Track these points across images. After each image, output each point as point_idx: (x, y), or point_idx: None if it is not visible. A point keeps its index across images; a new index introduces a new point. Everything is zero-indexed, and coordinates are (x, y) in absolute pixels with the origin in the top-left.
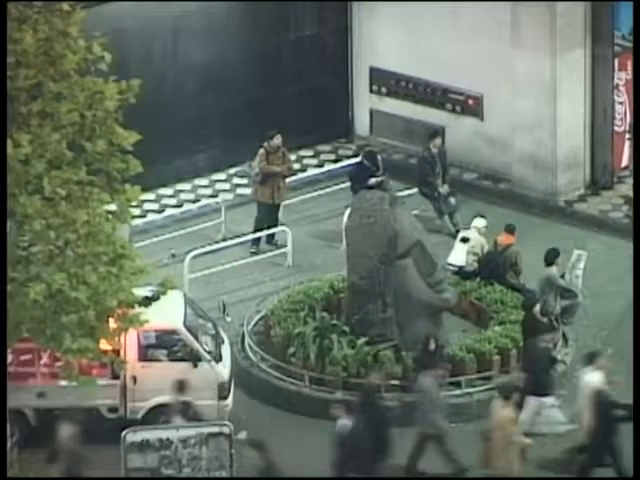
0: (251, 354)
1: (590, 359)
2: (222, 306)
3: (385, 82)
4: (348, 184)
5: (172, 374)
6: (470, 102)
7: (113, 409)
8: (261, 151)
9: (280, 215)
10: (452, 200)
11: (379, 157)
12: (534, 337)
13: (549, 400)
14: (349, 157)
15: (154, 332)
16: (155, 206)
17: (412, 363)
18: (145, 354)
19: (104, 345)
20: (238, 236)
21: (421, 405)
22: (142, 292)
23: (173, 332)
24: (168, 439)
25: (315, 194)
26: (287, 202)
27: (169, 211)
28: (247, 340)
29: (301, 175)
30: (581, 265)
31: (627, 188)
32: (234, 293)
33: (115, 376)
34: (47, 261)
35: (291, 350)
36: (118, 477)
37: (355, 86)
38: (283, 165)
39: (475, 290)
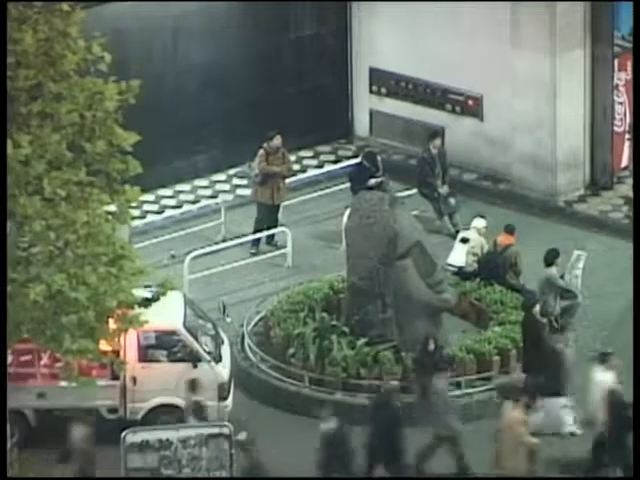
0: (251, 355)
1: (602, 359)
2: (222, 307)
3: (385, 82)
4: (348, 185)
5: (172, 375)
6: (470, 102)
7: (113, 410)
8: (261, 152)
9: (280, 216)
10: (452, 201)
11: (379, 158)
12: (540, 338)
13: (562, 400)
14: (349, 158)
15: (154, 333)
16: (155, 207)
17: (412, 364)
18: (145, 355)
19: (104, 346)
20: (238, 237)
21: (435, 406)
22: (142, 293)
23: (173, 333)
24: (168, 439)
25: (315, 195)
26: (287, 203)
27: (169, 212)
28: (247, 341)
29: (301, 176)
30: (580, 265)
31: (627, 188)
32: (234, 294)
33: (115, 377)
34: (47, 262)
35: (291, 351)
36: (118, 477)
37: (355, 86)
38: (283, 166)
39: (475, 291)
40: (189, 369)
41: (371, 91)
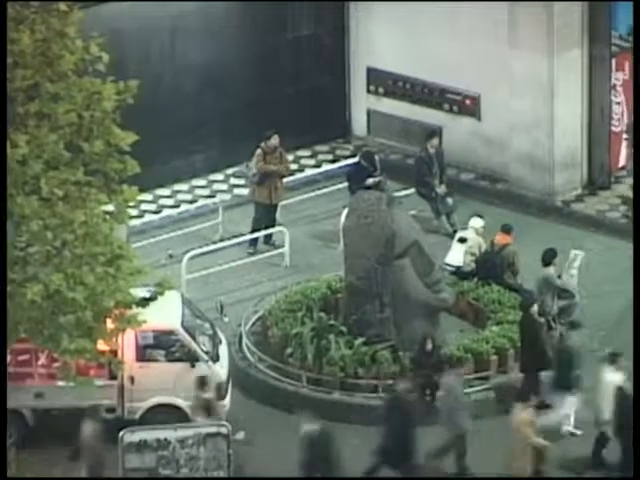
0: (249, 354)
1: (612, 359)
2: (219, 306)
3: (382, 82)
4: (346, 184)
5: (170, 374)
6: (467, 102)
7: (111, 409)
8: (258, 151)
9: (278, 215)
10: (449, 200)
11: (376, 157)
12: (537, 337)
13: (572, 399)
14: (347, 157)
15: (152, 332)
16: (152, 207)
17: (409, 363)
18: (143, 354)
19: (102, 345)
20: (236, 236)
21: (446, 404)
22: (139, 292)
23: (171, 332)
24: (166, 439)
25: (313, 194)
26: (284, 202)
27: (166, 212)
28: (244, 340)
29: (299, 175)
30: (576, 265)
31: (624, 188)
32: (232, 293)
33: (113, 376)
34: (44, 262)
35: (288, 350)
36: (116, 477)
37: (352, 86)
38: (280, 165)
39: (473, 290)
40: (187, 369)
41: (369, 91)
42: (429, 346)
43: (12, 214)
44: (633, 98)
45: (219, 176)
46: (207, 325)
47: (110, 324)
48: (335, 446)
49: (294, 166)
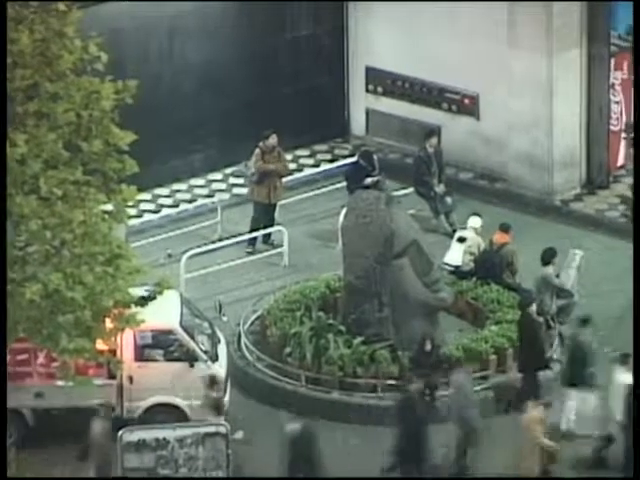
0: (247, 354)
1: (623, 360)
2: (218, 306)
3: (381, 82)
4: (344, 184)
5: (168, 374)
6: (466, 101)
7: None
8: (257, 151)
9: (276, 215)
10: (448, 199)
11: (375, 157)
12: (536, 337)
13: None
14: (345, 157)
15: (150, 332)
16: (151, 206)
17: (408, 363)
18: (141, 354)
19: (100, 345)
20: (234, 236)
21: (456, 402)
22: (138, 292)
23: (169, 332)
24: (165, 439)
25: (311, 194)
26: (283, 202)
27: (165, 211)
28: (243, 340)
29: (297, 175)
30: (574, 264)
31: (623, 187)
32: (230, 293)
33: (111, 376)
34: (43, 261)
35: (287, 350)
36: (115, 477)
37: (351, 86)
38: (279, 164)
39: (471, 289)
40: (186, 368)
41: (367, 90)
42: (428, 346)
43: (11, 213)
44: (633, 98)
45: (218, 175)
46: (206, 324)
47: (109, 323)
48: (318, 445)
49: (293, 165)
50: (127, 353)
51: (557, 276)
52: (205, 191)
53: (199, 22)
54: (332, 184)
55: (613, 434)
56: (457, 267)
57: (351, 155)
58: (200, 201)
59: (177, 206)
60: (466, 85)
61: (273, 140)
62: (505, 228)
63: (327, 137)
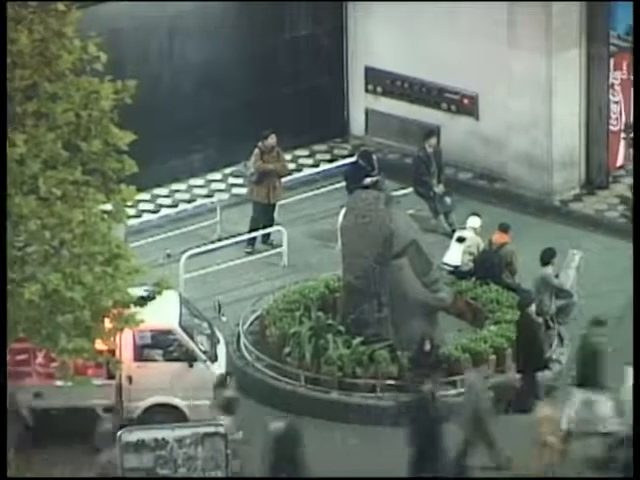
0: (247, 354)
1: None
2: (217, 306)
3: (380, 82)
4: (343, 184)
5: (167, 374)
6: (465, 101)
7: (109, 409)
8: (256, 151)
9: (276, 215)
10: (447, 199)
11: (374, 157)
12: (535, 337)
13: (596, 396)
14: (344, 157)
15: (149, 332)
16: (150, 206)
17: (407, 363)
18: (141, 354)
19: (100, 345)
20: (234, 236)
21: (467, 401)
22: (137, 292)
23: (168, 332)
24: (164, 439)
25: (311, 194)
26: (283, 202)
27: (164, 211)
28: (242, 340)
29: (297, 175)
30: (573, 264)
31: (622, 187)
32: (230, 293)
33: (111, 376)
34: (42, 261)
35: (287, 350)
36: (114, 477)
37: (350, 86)
38: (278, 163)
39: (471, 290)
40: (185, 368)
41: (367, 90)
42: (427, 346)
43: (10, 214)
44: (633, 98)
45: (217, 175)
46: (205, 324)
47: (108, 323)
48: (302, 444)
49: (292, 165)
50: (126, 353)
51: (556, 276)
52: (204, 191)
53: (199, 22)
54: (331, 184)
55: (625, 434)
56: (456, 267)
57: (350, 155)
58: (199, 201)
59: (176, 206)
60: (465, 85)
61: (272, 140)
62: (504, 228)
63: (326, 137)
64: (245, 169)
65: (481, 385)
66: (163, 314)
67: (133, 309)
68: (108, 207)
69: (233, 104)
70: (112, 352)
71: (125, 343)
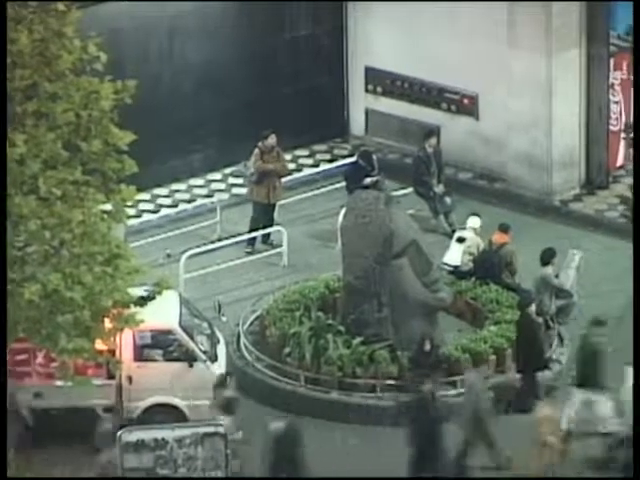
0: (247, 354)
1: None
2: (217, 306)
3: (380, 82)
4: (343, 184)
5: (167, 374)
6: (465, 101)
7: (109, 409)
8: (256, 151)
9: (276, 215)
10: (447, 200)
11: (374, 157)
12: (535, 337)
13: (596, 396)
14: (344, 157)
15: (149, 332)
16: (150, 206)
17: (407, 363)
18: (140, 354)
19: (99, 345)
20: (234, 236)
21: (467, 401)
22: (137, 292)
23: (168, 332)
24: (163, 439)
25: (311, 194)
26: (283, 202)
27: (164, 211)
28: (242, 340)
29: (297, 175)
30: (573, 265)
31: (622, 187)
32: (229, 293)
33: (111, 376)
34: (42, 261)
35: (287, 350)
36: (114, 477)
37: (350, 86)
38: (278, 163)
39: (470, 290)
40: (185, 368)
41: (367, 90)
42: (427, 346)
43: (10, 214)
44: (633, 98)
45: (217, 175)
46: (205, 324)
47: (108, 323)
48: (302, 443)
49: (292, 165)
50: (126, 353)
51: (556, 276)
52: (204, 191)
53: (199, 22)
54: (331, 184)
55: (625, 434)
56: (456, 267)
57: (350, 155)
58: (199, 201)
59: (176, 206)
60: (465, 85)
61: (272, 140)
62: (504, 228)
63: (326, 137)
64: (245, 169)
65: (481, 385)
66: (163, 314)
67: (133, 309)
68: (108, 207)
69: (233, 104)
70: (112, 352)
71: (125, 343)
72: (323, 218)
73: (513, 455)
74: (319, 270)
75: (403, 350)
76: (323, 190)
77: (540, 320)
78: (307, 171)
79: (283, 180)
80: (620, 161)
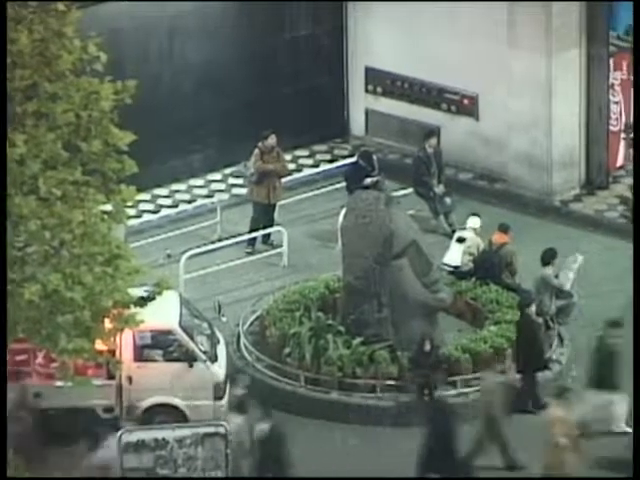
0: (246, 354)
1: None
2: (217, 306)
3: (380, 82)
4: (344, 184)
5: (168, 374)
6: (465, 102)
7: (109, 409)
8: (256, 151)
9: (276, 215)
10: (447, 200)
11: (375, 157)
12: (535, 337)
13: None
14: (345, 157)
15: (149, 332)
16: (151, 206)
17: (408, 363)
18: (141, 354)
19: (100, 345)
20: (234, 236)
21: (481, 402)
22: (137, 292)
23: (169, 332)
24: (164, 439)
25: (311, 194)
26: (283, 202)
27: (165, 211)
28: (242, 340)
29: (297, 175)
30: (574, 267)
31: (622, 188)
32: (230, 293)
33: (111, 376)
34: (42, 261)
35: (286, 350)
36: (114, 477)
37: (350, 86)
38: (278, 163)
39: (470, 290)
40: (185, 369)
41: (367, 90)
42: (427, 346)
43: (10, 214)
44: (633, 98)
45: (217, 176)
46: (205, 325)
47: (108, 324)
48: (287, 445)
49: (292, 166)
50: (126, 353)
51: (556, 277)
52: (204, 191)
53: (199, 22)
54: (331, 184)
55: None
56: (456, 267)
57: (350, 155)
58: (199, 201)
59: (176, 206)
60: (465, 85)
61: (272, 140)
62: (504, 228)
63: (326, 137)
64: (245, 169)
65: (496, 386)
66: (163, 314)
67: (133, 309)
68: (108, 207)
69: (233, 104)
70: (112, 352)
71: (125, 343)
72: (323, 218)
73: (523, 455)
74: (319, 270)
75: (403, 350)
76: (323, 190)
77: (540, 320)
78: (307, 171)
79: (283, 180)
80: (620, 161)
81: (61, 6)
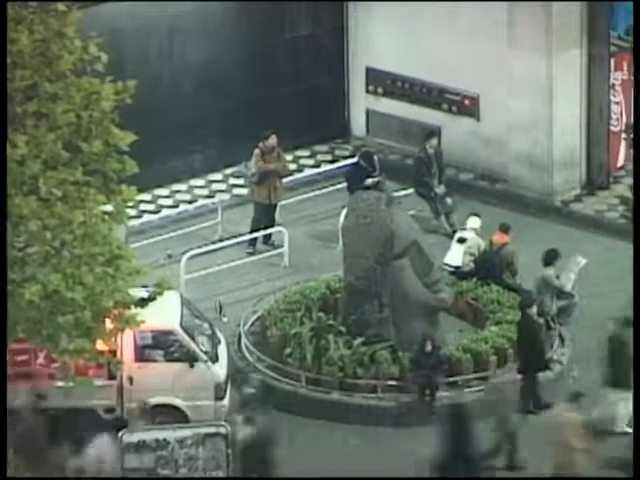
0: (247, 354)
1: None
2: (218, 306)
3: (381, 82)
4: (345, 184)
5: (168, 375)
6: (466, 102)
7: (110, 410)
8: (257, 151)
9: (277, 215)
10: (448, 200)
11: (375, 157)
12: (536, 338)
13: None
14: (345, 157)
15: (150, 333)
16: (151, 207)
17: (409, 363)
18: (141, 355)
19: (100, 346)
20: (235, 236)
21: (496, 403)
22: (138, 293)
23: (169, 332)
24: (165, 439)
25: (312, 194)
26: (284, 202)
27: (165, 212)
28: (244, 340)
29: (298, 175)
30: (575, 268)
31: (623, 188)
32: (230, 293)
33: (111, 377)
34: (43, 262)
35: (287, 350)
36: (115, 477)
37: (351, 86)
38: (278, 163)
39: (471, 290)
40: (186, 369)
41: (367, 91)
42: (428, 346)
43: (11, 214)
44: (633, 98)
45: (218, 176)
46: (206, 325)
47: (109, 324)
48: (271, 448)
49: (293, 166)
50: (127, 354)
51: (557, 277)
52: (205, 192)
53: (199, 22)
54: (332, 185)
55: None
56: (457, 268)
57: (351, 156)
58: (200, 202)
59: (177, 207)
60: (466, 86)
61: (273, 140)
62: (505, 229)
63: (327, 138)
64: (246, 169)
65: (509, 389)
66: (164, 315)
67: (134, 310)
68: (109, 208)
69: (233, 104)
70: (113, 353)
71: (126, 344)
72: (324, 219)
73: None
74: (320, 271)
75: (404, 351)
76: (324, 191)
77: (541, 321)
78: (308, 172)
79: (284, 181)
80: (621, 162)
81: (61, 6)
